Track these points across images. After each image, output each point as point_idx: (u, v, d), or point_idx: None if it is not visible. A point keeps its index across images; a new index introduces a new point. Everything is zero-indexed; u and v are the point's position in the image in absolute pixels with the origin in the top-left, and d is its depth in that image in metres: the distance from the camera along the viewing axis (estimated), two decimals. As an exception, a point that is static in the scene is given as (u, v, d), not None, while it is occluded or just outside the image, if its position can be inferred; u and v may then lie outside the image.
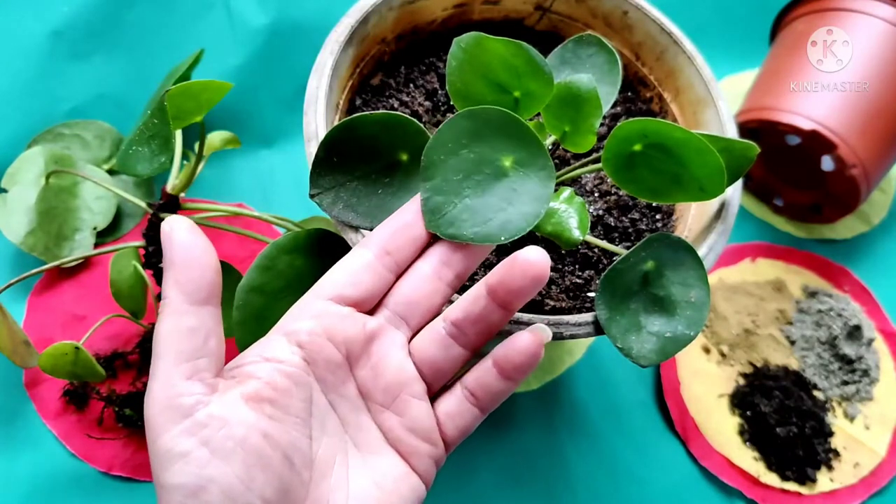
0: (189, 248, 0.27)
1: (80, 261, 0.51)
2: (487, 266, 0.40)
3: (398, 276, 0.30)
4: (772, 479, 0.53)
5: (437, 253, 0.30)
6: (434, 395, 0.30)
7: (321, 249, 0.37)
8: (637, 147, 0.33)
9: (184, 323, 0.27)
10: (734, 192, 0.40)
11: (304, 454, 0.27)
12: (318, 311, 0.29)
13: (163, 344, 0.27)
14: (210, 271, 0.27)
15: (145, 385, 0.44)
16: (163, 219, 0.44)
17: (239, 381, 0.27)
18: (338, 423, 0.29)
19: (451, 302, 0.31)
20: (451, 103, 0.42)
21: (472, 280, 0.39)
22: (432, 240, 0.31)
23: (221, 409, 0.26)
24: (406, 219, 0.30)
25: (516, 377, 0.29)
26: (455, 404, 0.29)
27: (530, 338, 0.29)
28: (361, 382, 0.29)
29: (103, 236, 0.54)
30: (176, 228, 0.27)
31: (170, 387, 0.26)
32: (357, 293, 0.29)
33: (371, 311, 0.30)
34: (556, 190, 0.36)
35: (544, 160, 0.30)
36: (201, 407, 0.26)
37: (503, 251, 0.40)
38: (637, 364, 0.34)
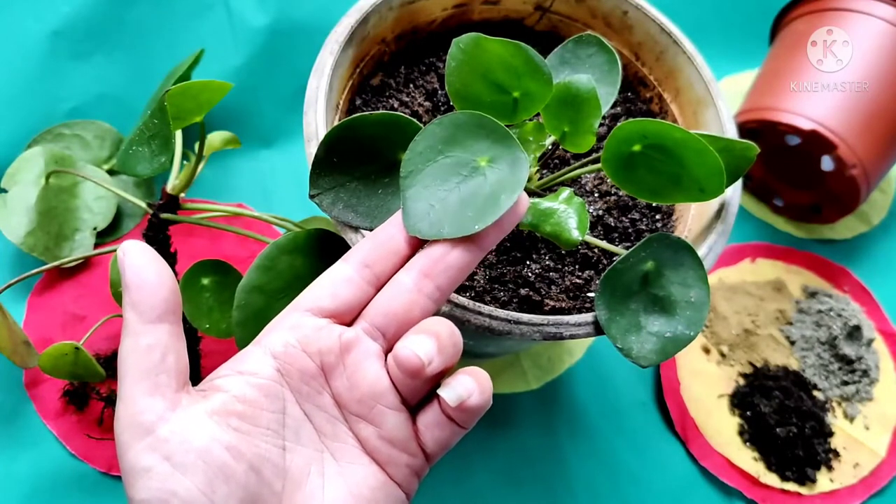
0: (140, 270, 0.28)
1: (80, 261, 0.51)
2: (488, 266, 0.40)
3: (378, 288, 0.30)
4: (772, 479, 0.53)
5: (418, 264, 0.30)
6: (416, 405, 0.30)
7: (321, 249, 0.37)
8: (637, 147, 0.33)
9: (141, 342, 0.27)
10: (734, 193, 0.40)
11: (274, 465, 0.27)
12: (293, 322, 0.29)
13: (123, 363, 0.27)
14: (163, 290, 0.28)
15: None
16: (163, 219, 0.44)
17: (206, 395, 0.28)
18: (313, 434, 0.29)
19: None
20: (451, 103, 0.42)
21: (472, 279, 0.39)
22: (417, 249, 0.30)
23: (183, 423, 0.26)
24: (388, 231, 0.30)
25: (466, 424, 0.29)
26: (434, 416, 0.29)
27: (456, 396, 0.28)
28: (337, 393, 0.29)
29: (103, 236, 0.54)
30: (128, 253, 0.28)
31: (132, 404, 0.27)
32: (334, 305, 0.29)
33: (350, 323, 0.30)
34: (555, 190, 0.36)
35: (518, 151, 0.30)
36: (162, 423, 0.26)
37: (503, 251, 0.40)
38: (637, 364, 0.34)
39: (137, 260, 0.28)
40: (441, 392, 0.28)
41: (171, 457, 0.26)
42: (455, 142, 0.31)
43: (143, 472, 0.25)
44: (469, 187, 0.30)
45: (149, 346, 0.27)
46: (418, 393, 0.29)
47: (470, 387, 0.28)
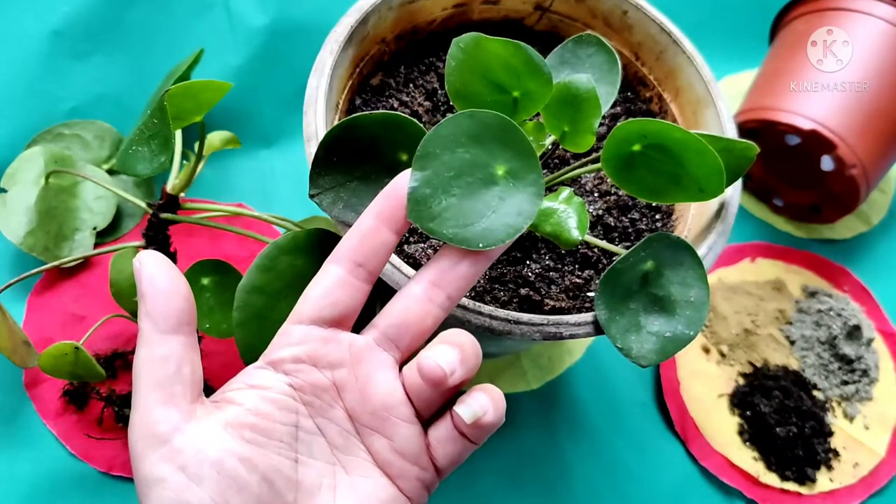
0: (155, 279, 0.28)
1: (80, 261, 0.51)
2: (492, 274, 0.40)
3: (373, 284, 0.30)
4: (771, 479, 0.53)
5: (428, 274, 0.30)
6: (428, 419, 0.30)
7: (321, 249, 0.37)
8: (636, 147, 0.33)
9: (156, 352, 0.28)
10: (734, 192, 0.40)
11: (287, 477, 0.27)
12: (299, 336, 0.29)
13: (138, 373, 0.28)
14: (177, 299, 0.28)
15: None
16: (163, 219, 0.44)
17: (219, 407, 0.28)
18: (326, 447, 0.29)
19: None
20: (451, 103, 0.42)
21: (474, 289, 0.39)
22: (402, 234, 0.30)
23: (197, 435, 0.27)
24: (368, 224, 0.30)
25: (478, 440, 0.29)
26: (446, 431, 0.29)
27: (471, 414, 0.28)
28: (350, 406, 0.29)
29: (103, 236, 0.54)
30: (144, 263, 0.28)
31: (147, 414, 0.27)
32: (336, 312, 0.29)
33: (358, 329, 0.30)
34: (555, 189, 0.36)
35: (536, 175, 0.30)
36: (177, 434, 0.26)
37: (503, 256, 0.40)
38: (637, 364, 0.34)
39: (153, 270, 0.28)
40: (457, 409, 0.28)
41: (186, 467, 0.26)
42: (478, 141, 0.30)
43: (157, 482, 0.26)
44: (482, 197, 0.30)
45: (163, 356, 0.27)
46: (432, 406, 0.29)
47: (485, 404, 0.28)
